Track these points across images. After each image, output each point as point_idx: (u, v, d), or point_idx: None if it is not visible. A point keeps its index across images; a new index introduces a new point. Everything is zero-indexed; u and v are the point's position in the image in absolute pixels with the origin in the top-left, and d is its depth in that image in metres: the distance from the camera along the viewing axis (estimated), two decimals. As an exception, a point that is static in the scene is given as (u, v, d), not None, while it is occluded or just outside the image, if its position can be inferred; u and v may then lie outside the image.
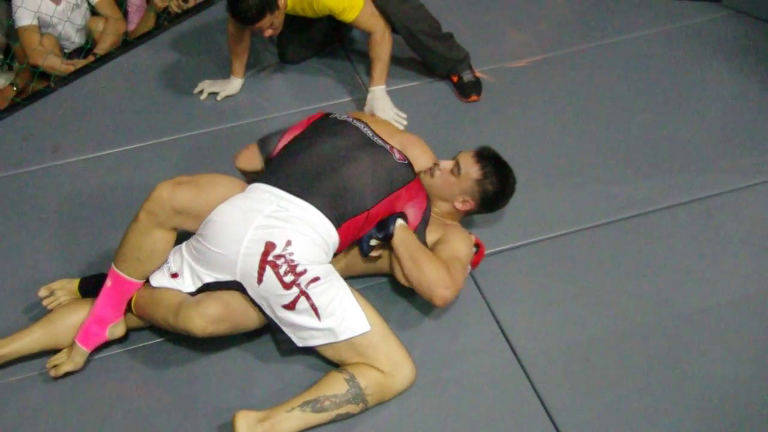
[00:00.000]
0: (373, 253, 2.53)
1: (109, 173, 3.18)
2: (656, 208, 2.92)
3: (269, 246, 2.30)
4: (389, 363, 2.31)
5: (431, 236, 2.62)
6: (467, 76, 3.53)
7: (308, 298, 2.30)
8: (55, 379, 2.42)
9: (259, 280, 2.31)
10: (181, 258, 2.42)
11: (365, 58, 3.56)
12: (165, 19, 4.03)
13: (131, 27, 4.20)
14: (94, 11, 4.23)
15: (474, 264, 2.66)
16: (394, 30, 3.36)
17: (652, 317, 2.55)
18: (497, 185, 2.65)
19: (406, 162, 2.58)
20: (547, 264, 2.74)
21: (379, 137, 2.62)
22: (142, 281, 2.42)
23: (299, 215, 2.36)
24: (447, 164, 2.67)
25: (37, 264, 2.81)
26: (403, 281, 2.50)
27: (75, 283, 2.58)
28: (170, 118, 3.43)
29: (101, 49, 4.04)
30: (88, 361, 2.46)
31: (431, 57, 3.53)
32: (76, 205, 3.04)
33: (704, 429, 2.26)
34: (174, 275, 2.41)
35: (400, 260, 2.48)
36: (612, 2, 4.12)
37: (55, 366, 2.42)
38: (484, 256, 2.70)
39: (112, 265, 2.40)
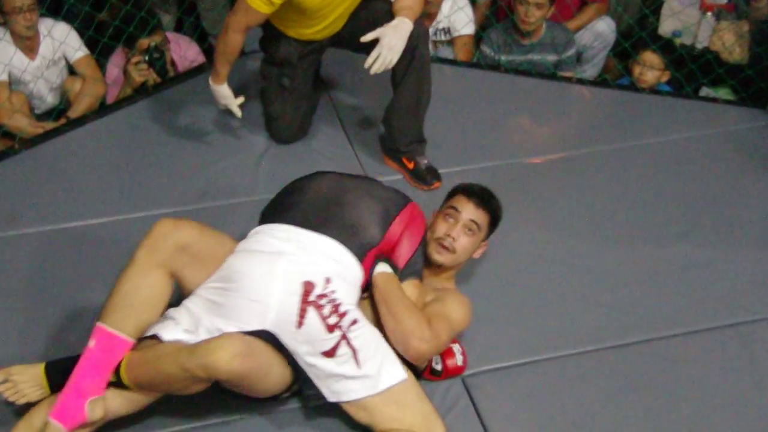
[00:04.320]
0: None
1: (70, 248, 3.19)
2: (680, 332, 2.94)
3: (308, 286, 2.37)
4: (425, 421, 2.37)
5: (425, 297, 2.71)
6: (423, 161, 3.56)
7: (349, 342, 2.37)
8: None
9: (300, 324, 2.34)
10: (189, 314, 2.41)
11: (362, 130, 3.82)
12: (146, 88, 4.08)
13: (109, 100, 4.26)
14: (72, 70, 4.28)
15: (452, 372, 2.68)
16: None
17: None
18: (501, 213, 2.88)
19: (394, 188, 2.81)
20: (551, 386, 2.75)
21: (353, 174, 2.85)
22: (132, 340, 2.36)
23: (324, 251, 2.47)
24: (458, 231, 2.76)
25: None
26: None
27: (39, 368, 2.45)
28: (143, 193, 3.47)
29: (75, 111, 4.10)
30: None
31: (406, 124, 3.54)
32: (33, 281, 3.04)
33: None
34: (186, 331, 2.38)
35: (376, 306, 2.56)
36: (643, 101, 4.23)
37: None
38: (464, 370, 2.73)
39: (98, 323, 2.36)
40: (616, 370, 2.79)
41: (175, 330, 2.36)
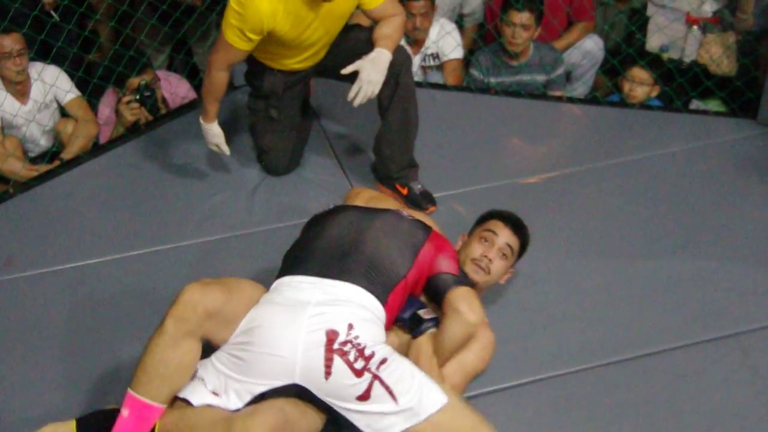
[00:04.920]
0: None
1: (68, 290, 3.18)
2: (681, 345, 2.92)
3: (332, 334, 2.35)
4: None
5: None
6: (417, 186, 3.56)
7: (382, 381, 2.33)
8: None
9: (327, 374, 2.33)
10: (216, 373, 2.41)
11: (354, 158, 3.83)
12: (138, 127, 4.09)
13: (102, 140, 4.27)
14: (64, 112, 4.29)
15: None
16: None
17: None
18: (529, 242, 2.97)
19: (416, 219, 2.81)
20: (553, 404, 2.73)
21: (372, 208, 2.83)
22: (164, 406, 2.37)
23: (348, 297, 2.46)
24: (494, 253, 2.85)
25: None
26: None
27: (71, 426, 2.44)
28: (139, 231, 3.46)
29: (69, 153, 4.10)
30: None
31: (396, 151, 3.53)
32: (30, 324, 3.03)
33: None
34: (214, 393, 2.39)
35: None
36: (634, 117, 4.23)
37: None
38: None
39: (129, 390, 2.36)
40: (618, 386, 2.77)
41: (204, 393, 2.39)
